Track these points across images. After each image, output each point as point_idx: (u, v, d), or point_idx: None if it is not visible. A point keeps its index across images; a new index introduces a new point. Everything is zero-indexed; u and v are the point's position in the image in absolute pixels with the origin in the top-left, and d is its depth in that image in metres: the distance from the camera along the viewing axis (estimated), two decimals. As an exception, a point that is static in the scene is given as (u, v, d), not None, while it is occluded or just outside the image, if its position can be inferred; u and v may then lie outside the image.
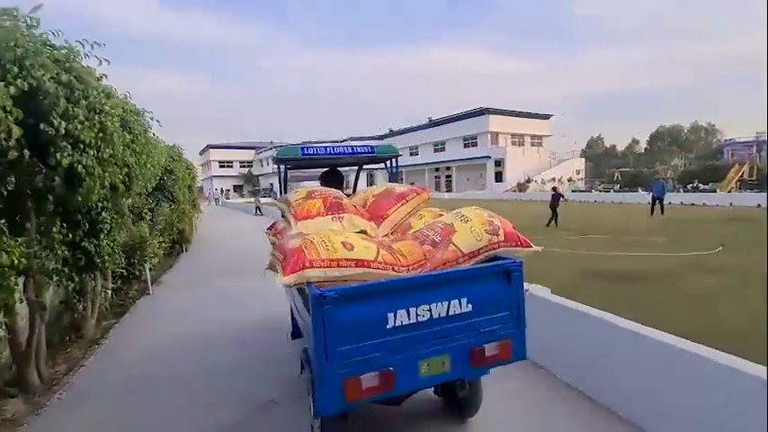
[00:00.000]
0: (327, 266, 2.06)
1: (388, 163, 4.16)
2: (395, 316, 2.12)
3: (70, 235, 4.39)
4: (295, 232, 2.45)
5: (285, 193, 3.61)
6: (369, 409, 2.87)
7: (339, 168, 4.42)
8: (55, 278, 3.87)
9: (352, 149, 3.95)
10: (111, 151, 3.68)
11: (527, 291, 2.86)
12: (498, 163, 42.73)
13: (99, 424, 3.18)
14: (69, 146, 2.93)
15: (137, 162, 4.86)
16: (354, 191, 4.51)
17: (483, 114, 42.90)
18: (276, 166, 4.24)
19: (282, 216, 3.13)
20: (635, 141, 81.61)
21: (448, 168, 49.78)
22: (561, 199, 14.64)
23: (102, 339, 4.97)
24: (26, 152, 2.69)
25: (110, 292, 6.10)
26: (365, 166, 5.14)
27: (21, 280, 3.43)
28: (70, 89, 2.92)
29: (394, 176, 4.01)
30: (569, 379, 3.41)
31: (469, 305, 2.26)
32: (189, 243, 11.89)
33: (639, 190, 30.63)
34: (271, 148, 62.58)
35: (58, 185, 3.10)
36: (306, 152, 3.87)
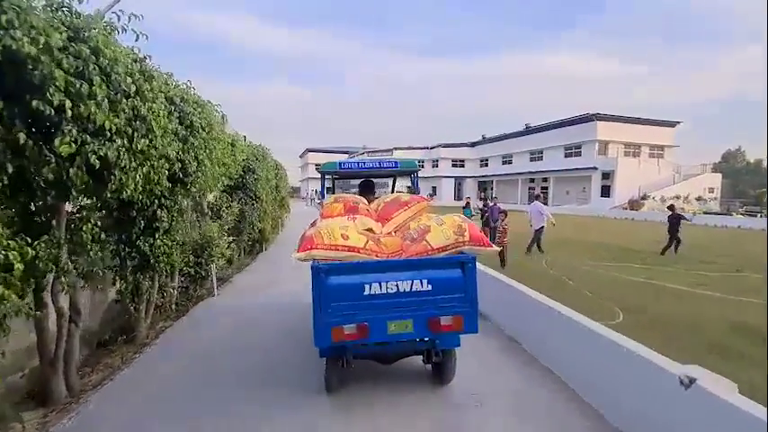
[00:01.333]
0: (327, 249, 3.01)
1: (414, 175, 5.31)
2: (370, 286, 2.98)
3: (116, 234, 4.11)
4: (315, 225, 3.44)
5: (323, 198, 4.55)
6: (367, 363, 3.64)
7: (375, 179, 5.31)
8: (87, 280, 3.51)
9: (379, 164, 4.95)
10: (149, 142, 3.20)
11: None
12: (606, 175, 37.72)
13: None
14: (75, 131, 2.41)
15: (195, 157, 4.47)
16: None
17: (591, 121, 38.27)
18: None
19: None
20: (791, 156, 66.29)
21: (545, 179, 45.62)
22: (683, 220, 11.68)
23: (150, 344, 4.67)
24: (21, 135, 2.21)
25: (175, 291, 5.95)
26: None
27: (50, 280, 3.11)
28: (83, 61, 2.41)
29: (414, 187, 5.18)
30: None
31: (429, 285, 3.05)
32: (268, 242, 11.95)
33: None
34: (363, 153, 64.46)
35: (78, 177, 2.64)
36: (342, 166, 4.89)
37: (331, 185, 6.51)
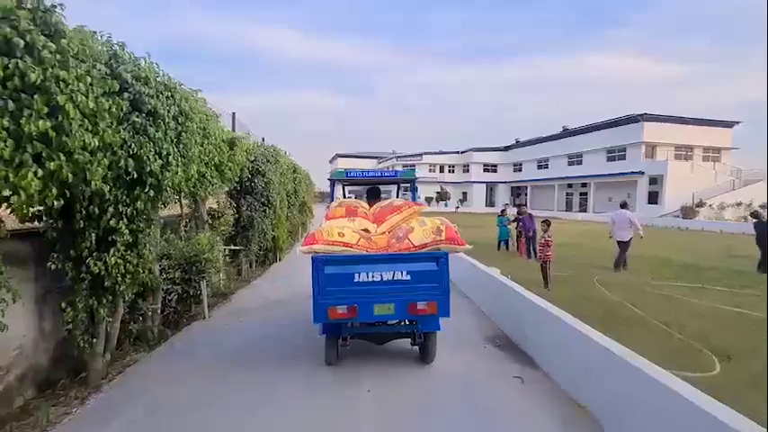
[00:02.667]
0: (326, 244, 3.72)
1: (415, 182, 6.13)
2: (359, 275, 3.69)
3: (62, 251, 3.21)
4: (320, 225, 4.28)
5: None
6: (362, 343, 4.39)
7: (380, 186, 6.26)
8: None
9: (381, 173, 6.03)
10: (51, 124, 2.23)
11: None
12: (654, 181, 34.77)
13: None
14: None
15: (158, 153, 3.52)
16: None
17: (636, 122, 35.46)
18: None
19: None
20: None
21: (584, 185, 42.85)
22: None
23: (102, 387, 3.73)
24: None
25: (156, 315, 5.05)
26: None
27: None
28: None
29: (411, 194, 6.09)
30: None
31: (408, 275, 3.72)
32: (283, 251, 11.05)
33: None
34: (392, 158, 63.55)
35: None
36: (348, 175, 5.55)
37: (341, 191, 6.96)
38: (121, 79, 3.09)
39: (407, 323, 4.23)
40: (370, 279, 3.67)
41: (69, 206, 3.22)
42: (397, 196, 6.52)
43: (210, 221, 7.08)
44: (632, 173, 35.08)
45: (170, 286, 5.26)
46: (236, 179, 6.67)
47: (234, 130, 8.84)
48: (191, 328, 5.36)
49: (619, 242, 10.31)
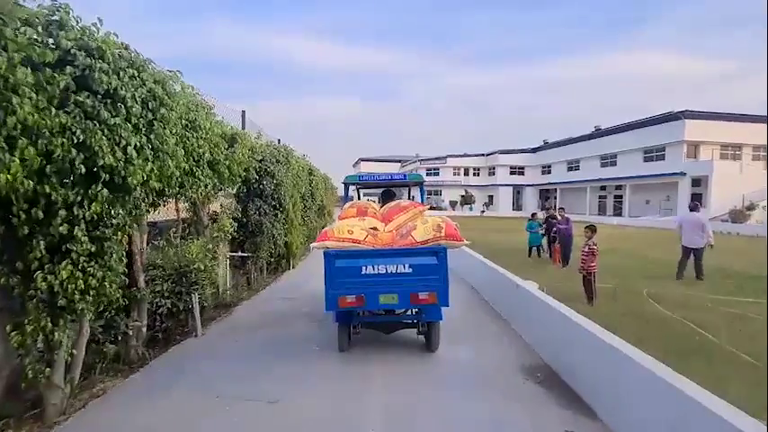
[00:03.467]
0: (336, 240, 4.12)
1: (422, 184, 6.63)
2: (365, 267, 4.04)
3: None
4: (333, 224, 5.00)
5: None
6: (372, 333, 4.88)
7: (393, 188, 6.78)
8: None
9: (391, 176, 6.86)
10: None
11: None
12: (697, 182, 32.37)
13: None
14: None
15: (115, 141, 2.87)
16: None
17: (677, 119, 33.18)
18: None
19: None
20: None
21: (618, 187, 40.60)
22: None
23: (60, 424, 3.11)
24: None
25: (140, 333, 4.45)
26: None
27: None
28: None
29: (420, 196, 6.60)
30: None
31: (410, 268, 4.05)
32: (296, 258, 10.41)
33: None
34: (415, 161, 62.61)
35: None
36: (361, 179, 6.64)
37: (355, 194, 7.03)
38: (62, 49, 2.47)
39: (412, 313, 4.77)
40: (376, 271, 4.04)
41: (6, 207, 2.61)
42: (409, 198, 6.94)
43: (211, 226, 6.50)
44: (673, 174, 32.80)
45: (159, 300, 4.65)
46: (240, 180, 6.05)
47: (243, 128, 8.30)
48: (180, 347, 4.72)
49: (687, 248, 9.13)
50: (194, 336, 4.96)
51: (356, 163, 77.79)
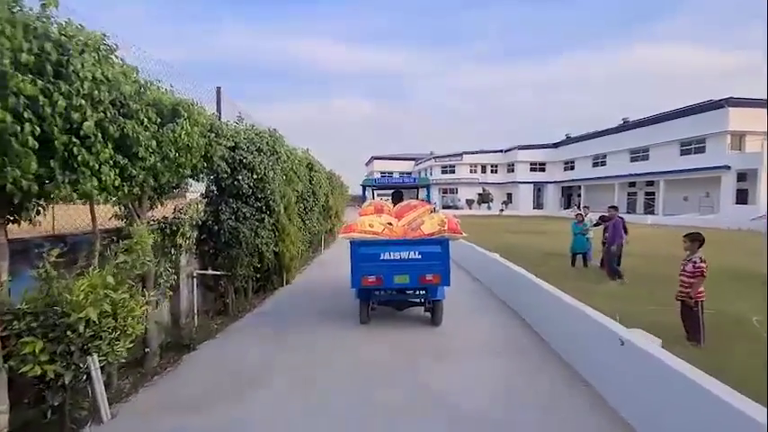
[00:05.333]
0: (360, 232, 5.19)
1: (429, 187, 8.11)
2: (383, 254, 5.12)
3: None
4: (355, 219, 5.72)
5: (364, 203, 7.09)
6: (385, 310, 6.11)
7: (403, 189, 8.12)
8: None
9: (402, 180, 8.10)
10: None
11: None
12: (743, 176, 29.43)
13: None
14: None
15: None
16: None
17: (719, 108, 30.22)
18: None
19: None
20: None
21: (650, 183, 37.70)
22: None
23: None
24: None
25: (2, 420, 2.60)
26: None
27: None
28: None
29: (427, 197, 7.71)
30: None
31: (419, 255, 5.13)
32: (292, 272, 8.52)
33: None
34: (430, 159, 60.28)
35: None
36: (376, 182, 8.06)
37: (370, 194, 8.10)
38: None
39: (420, 293, 5.65)
40: (392, 257, 5.17)
41: None
42: (417, 198, 7.90)
43: (166, 238, 4.65)
44: (715, 168, 29.88)
45: (33, 366, 2.79)
46: (187, 172, 4.17)
47: (219, 111, 6.47)
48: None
49: None
50: (96, 423, 3.08)
51: (369, 161, 75.87)
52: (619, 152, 40.31)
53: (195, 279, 5.73)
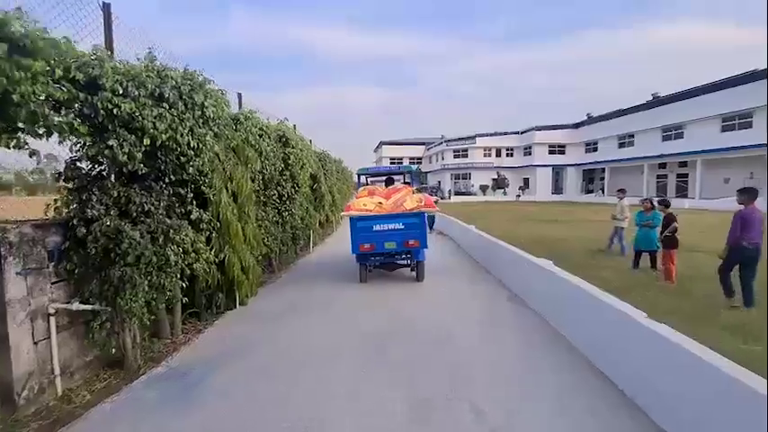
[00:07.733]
0: (357, 210, 7.18)
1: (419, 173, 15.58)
2: (375, 226, 7.02)
3: None
4: (352, 201, 8.00)
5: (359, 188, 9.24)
6: (379, 272, 8.03)
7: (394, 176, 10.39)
8: None
9: (389, 169, 10.68)
10: None
11: None
12: (795, 154, 26.01)
13: None
14: None
15: None
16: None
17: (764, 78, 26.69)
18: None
19: None
20: None
21: (683, 164, 34.31)
22: None
23: None
24: None
25: None
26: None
27: None
28: None
29: (411, 182, 10.25)
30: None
31: (403, 225, 7.00)
32: (253, 285, 6.12)
33: None
34: (441, 143, 57.13)
35: None
36: (370, 170, 10.32)
37: (365, 180, 10.53)
38: None
39: (405, 256, 7.62)
40: (382, 228, 6.96)
41: None
42: (403, 182, 10.44)
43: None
44: (762, 145, 26.49)
45: None
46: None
47: (110, 39, 4.08)
48: None
49: None
50: None
51: (377, 147, 72.89)
52: (649, 131, 36.81)
53: (54, 318, 3.41)
